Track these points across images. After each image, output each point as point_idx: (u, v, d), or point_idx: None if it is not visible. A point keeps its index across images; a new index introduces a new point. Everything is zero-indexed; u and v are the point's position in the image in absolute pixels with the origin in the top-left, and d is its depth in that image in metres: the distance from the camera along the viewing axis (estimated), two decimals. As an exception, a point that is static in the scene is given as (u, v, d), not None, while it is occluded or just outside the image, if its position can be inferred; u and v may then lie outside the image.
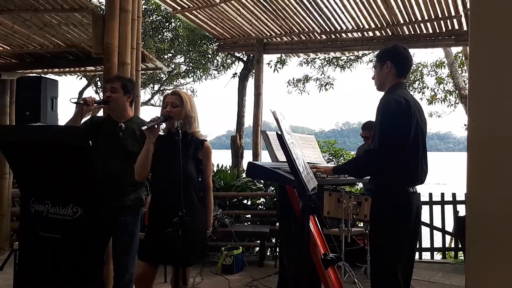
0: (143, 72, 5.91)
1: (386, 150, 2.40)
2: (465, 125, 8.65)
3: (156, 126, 2.55)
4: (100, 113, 3.64)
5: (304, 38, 6.85)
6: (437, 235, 5.95)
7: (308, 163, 2.82)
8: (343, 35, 6.61)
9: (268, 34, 6.83)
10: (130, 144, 2.89)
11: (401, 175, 2.45)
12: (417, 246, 5.44)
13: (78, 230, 2.59)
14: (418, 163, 2.47)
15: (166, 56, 11.86)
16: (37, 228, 2.68)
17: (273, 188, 6.00)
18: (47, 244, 2.65)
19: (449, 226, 6.10)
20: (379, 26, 6.19)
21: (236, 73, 11.38)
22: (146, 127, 2.48)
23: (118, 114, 2.98)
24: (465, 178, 2.05)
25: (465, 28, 5.91)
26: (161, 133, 2.71)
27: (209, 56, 11.56)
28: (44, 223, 2.66)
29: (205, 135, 2.77)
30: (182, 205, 2.33)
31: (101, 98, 3.03)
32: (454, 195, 5.89)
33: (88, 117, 3.13)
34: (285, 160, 2.35)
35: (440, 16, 5.70)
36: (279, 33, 6.77)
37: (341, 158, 9.13)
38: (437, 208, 5.92)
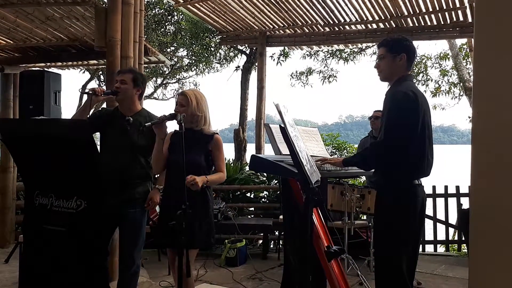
0: (145, 65, 5.90)
1: (393, 143, 2.40)
2: (469, 117, 8.61)
3: (161, 123, 2.69)
4: (104, 105, 3.63)
5: (307, 31, 6.82)
6: (441, 228, 5.95)
7: (312, 156, 2.82)
8: (347, 27, 6.57)
9: (271, 26, 6.79)
10: (138, 137, 2.92)
11: (407, 168, 2.44)
12: (421, 239, 5.44)
13: (82, 223, 2.61)
14: (424, 156, 2.47)
15: (168, 50, 11.83)
16: (42, 221, 2.70)
17: (276, 181, 6.01)
18: (51, 237, 2.66)
19: (453, 218, 6.10)
20: (383, 18, 6.14)
21: (238, 66, 11.35)
22: (150, 123, 2.63)
23: (126, 107, 2.99)
24: (469, 171, 2.05)
25: (469, 19, 5.87)
26: (177, 128, 2.80)
27: (212, 49, 11.52)
28: (48, 216, 2.67)
29: (215, 130, 2.88)
30: (186, 198, 2.37)
31: (111, 89, 3.04)
32: (457, 187, 5.88)
33: (95, 108, 3.15)
34: (288, 153, 2.35)
35: (444, 7, 5.66)
36: (282, 25, 6.74)
37: (345, 151, 9.09)
38: (440, 201, 5.91)
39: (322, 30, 6.71)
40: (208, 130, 2.82)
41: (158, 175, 3.05)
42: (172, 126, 2.84)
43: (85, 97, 2.99)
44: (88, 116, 2.99)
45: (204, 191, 2.75)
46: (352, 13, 6.18)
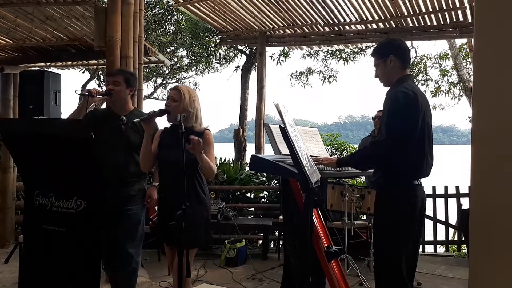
0: (145, 65, 5.91)
1: (392, 143, 2.39)
2: (469, 117, 8.61)
3: (150, 119, 2.62)
4: (104, 106, 3.65)
5: (307, 31, 6.81)
6: (441, 228, 5.95)
7: (311, 156, 2.81)
8: (347, 27, 6.56)
9: (271, 26, 6.79)
10: (132, 136, 2.95)
11: (407, 168, 2.44)
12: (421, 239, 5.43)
13: (82, 223, 2.61)
14: (424, 156, 2.46)
15: (168, 50, 11.84)
16: (41, 221, 2.70)
17: (276, 181, 6.00)
18: (51, 237, 2.67)
19: (453, 219, 6.09)
20: (383, 18, 6.14)
21: (238, 66, 11.36)
22: (138, 119, 2.56)
23: (119, 107, 3.02)
24: (469, 171, 2.04)
25: (469, 19, 5.86)
26: (167, 125, 2.79)
27: (212, 49, 11.53)
28: (48, 216, 2.68)
29: (205, 126, 2.83)
30: (186, 198, 2.36)
31: (105, 90, 3.06)
32: (457, 188, 5.88)
33: (91, 108, 3.17)
34: (288, 153, 2.34)
35: (444, 7, 5.65)
36: (282, 25, 6.73)
37: (345, 151, 9.10)
38: (440, 201, 5.91)
39: (322, 30, 6.71)
40: (199, 128, 2.76)
41: (154, 173, 3.05)
42: (162, 123, 2.81)
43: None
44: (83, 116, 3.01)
45: (199, 190, 2.73)
46: (352, 13, 6.17)
